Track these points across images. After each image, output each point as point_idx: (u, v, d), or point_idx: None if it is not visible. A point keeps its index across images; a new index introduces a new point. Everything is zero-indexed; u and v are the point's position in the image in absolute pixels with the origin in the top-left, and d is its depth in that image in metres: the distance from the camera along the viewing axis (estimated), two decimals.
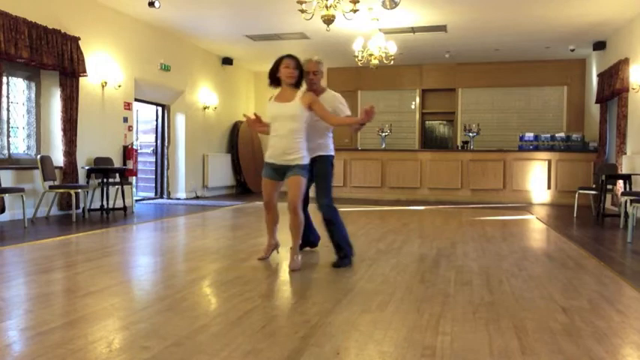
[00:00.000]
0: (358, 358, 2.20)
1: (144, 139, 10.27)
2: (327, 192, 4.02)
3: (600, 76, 9.51)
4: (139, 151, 9.74)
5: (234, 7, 7.95)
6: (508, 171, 10.14)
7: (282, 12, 8.00)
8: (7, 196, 6.30)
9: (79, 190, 6.92)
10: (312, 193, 4.22)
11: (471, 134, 10.73)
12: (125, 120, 8.45)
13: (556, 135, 10.33)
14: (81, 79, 7.29)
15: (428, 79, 12.13)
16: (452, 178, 10.33)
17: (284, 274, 3.78)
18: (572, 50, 10.22)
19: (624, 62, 8.26)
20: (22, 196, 5.97)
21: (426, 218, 7.46)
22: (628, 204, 6.13)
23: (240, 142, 11.80)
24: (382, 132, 11.20)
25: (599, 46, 9.63)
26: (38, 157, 6.69)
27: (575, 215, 7.77)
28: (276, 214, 4.06)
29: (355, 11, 6.07)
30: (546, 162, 10.00)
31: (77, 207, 7.07)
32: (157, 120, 10.09)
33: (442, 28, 8.89)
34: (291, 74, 3.79)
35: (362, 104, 12.28)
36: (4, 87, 6.46)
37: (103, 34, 7.89)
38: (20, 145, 7.01)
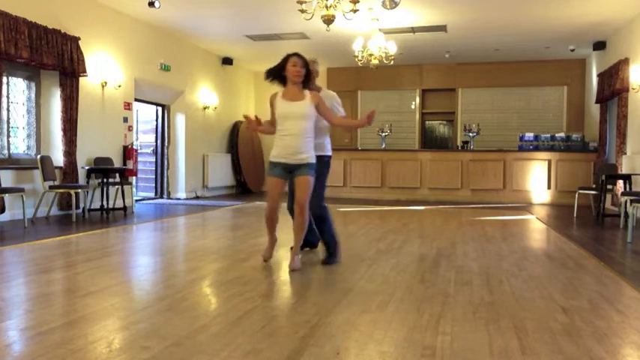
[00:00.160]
0: (358, 358, 2.20)
1: (144, 139, 10.27)
2: (319, 192, 4.07)
3: (600, 76, 9.51)
4: (139, 151, 9.74)
5: (234, 7, 7.95)
6: (508, 171, 10.13)
7: (282, 12, 8.00)
8: (7, 196, 6.30)
9: (79, 190, 6.92)
10: None
11: (471, 134, 10.73)
12: (125, 120, 8.45)
13: (556, 135, 10.33)
14: (81, 79, 7.29)
15: (428, 79, 12.12)
16: (452, 178, 10.33)
17: (284, 274, 3.78)
18: (572, 50, 10.21)
19: (624, 62, 8.25)
20: (22, 196, 5.98)
21: (426, 218, 7.46)
22: (628, 204, 6.13)
23: (240, 142, 11.80)
24: (382, 132, 11.19)
25: (599, 46, 9.63)
26: (38, 157, 6.69)
27: (575, 215, 7.77)
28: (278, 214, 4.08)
29: (355, 11, 6.07)
30: (546, 162, 10.00)
31: (77, 207, 7.06)
32: (156, 120, 10.09)
33: (442, 28, 8.89)
34: (298, 73, 3.81)
35: (362, 104, 12.30)
36: (4, 87, 6.46)
37: (103, 34, 7.89)
38: (20, 145, 7.01)
